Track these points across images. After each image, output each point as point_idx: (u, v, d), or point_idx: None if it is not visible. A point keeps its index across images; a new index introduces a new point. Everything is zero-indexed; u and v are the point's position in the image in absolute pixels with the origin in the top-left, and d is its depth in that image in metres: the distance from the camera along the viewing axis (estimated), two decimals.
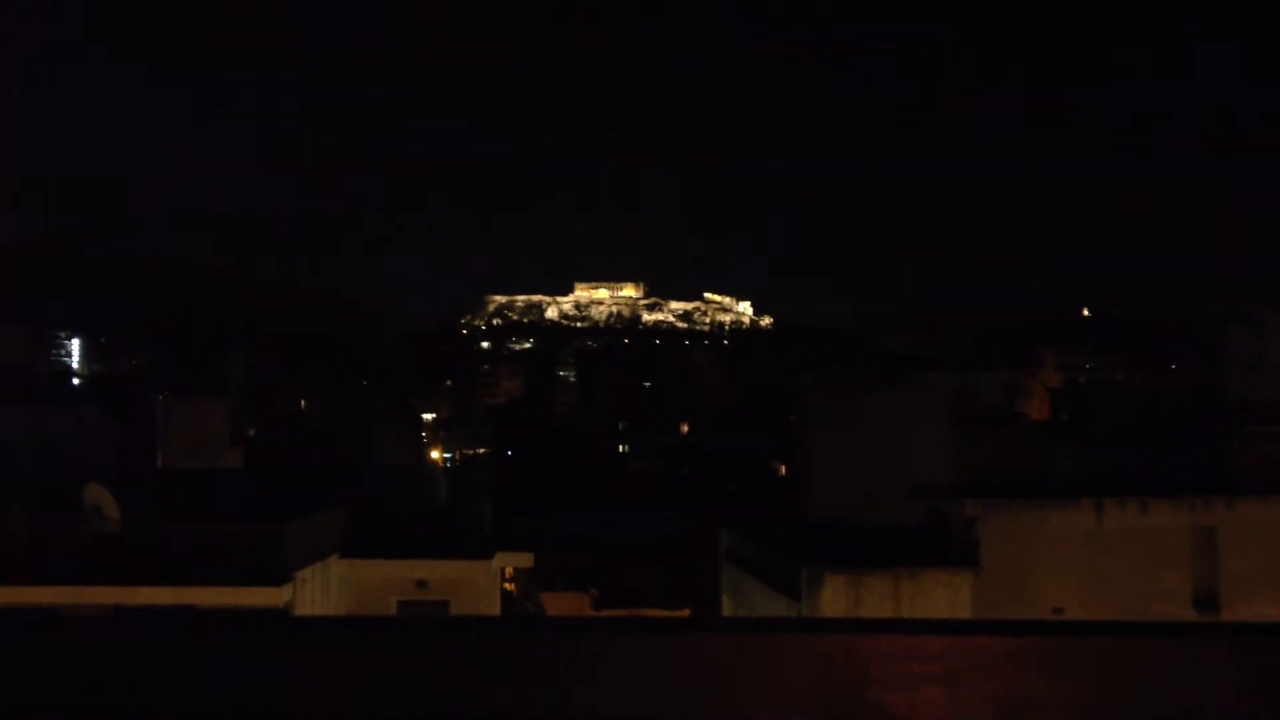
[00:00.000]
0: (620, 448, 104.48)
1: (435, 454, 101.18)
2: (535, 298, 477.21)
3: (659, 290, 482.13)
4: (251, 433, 60.07)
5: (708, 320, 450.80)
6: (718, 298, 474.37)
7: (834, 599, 24.57)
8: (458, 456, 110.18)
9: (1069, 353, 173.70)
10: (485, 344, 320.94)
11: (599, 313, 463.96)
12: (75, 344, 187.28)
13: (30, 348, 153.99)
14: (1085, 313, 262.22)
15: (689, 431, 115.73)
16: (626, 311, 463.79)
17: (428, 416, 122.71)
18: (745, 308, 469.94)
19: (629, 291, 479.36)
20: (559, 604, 43.81)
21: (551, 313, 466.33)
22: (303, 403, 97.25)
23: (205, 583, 25.82)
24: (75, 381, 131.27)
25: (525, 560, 33.71)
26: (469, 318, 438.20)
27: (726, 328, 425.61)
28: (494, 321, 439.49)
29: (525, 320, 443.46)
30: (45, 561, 27.06)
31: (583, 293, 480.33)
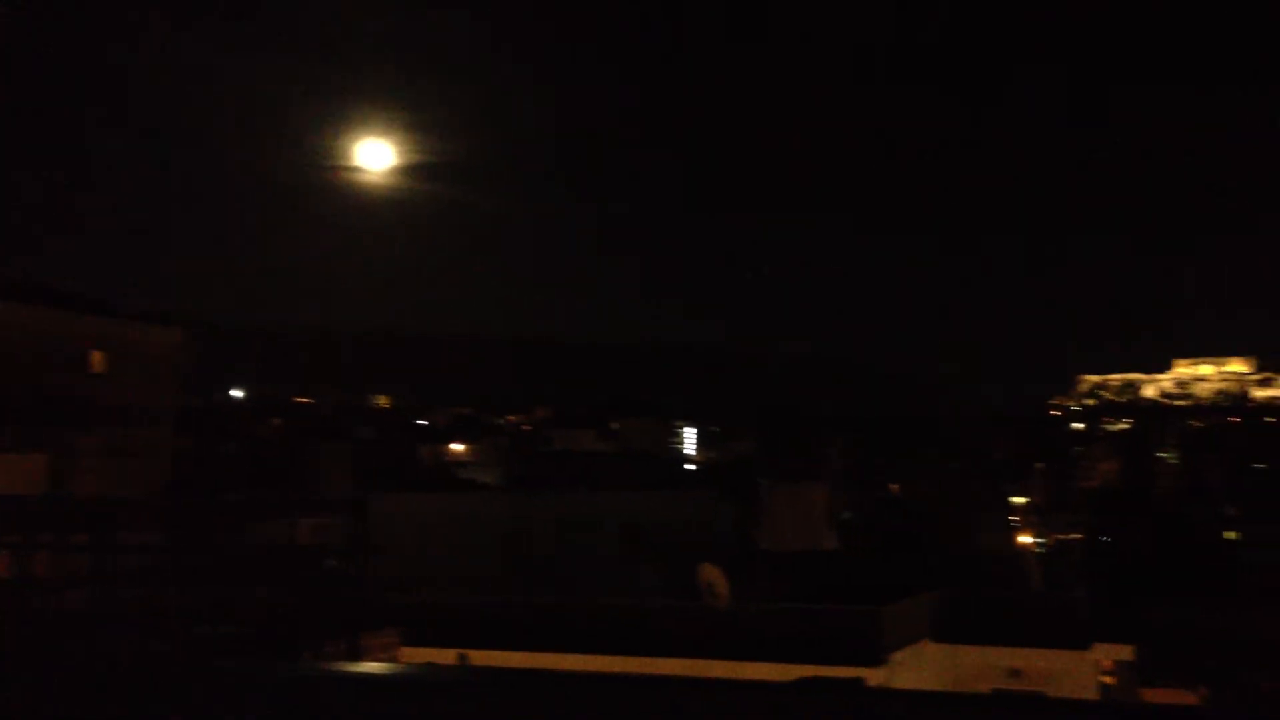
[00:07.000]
0: (1229, 534, 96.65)
1: (1027, 539, 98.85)
2: (1131, 376, 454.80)
3: (1274, 364, 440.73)
4: (848, 516, 62.30)
5: None
6: None
7: None
8: (1051, 542, 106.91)
9: None
10: (1079, 425, 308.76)
11: (1203, 390, 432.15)
12: (691, 432, 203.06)
13: (658, 437, 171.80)
14: None
15: None
16: (1234, 388, 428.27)
17: (1019, 500, 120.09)
18: None
19: (1236, 366, 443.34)
20: (1162, 701, 41.41)
21: (1149, 391, 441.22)
22: (896, 487, 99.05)
23: (806, 660, 27.51)
24: (690, 467, 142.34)
25: (1126, 652, 32.59)
26: (1060, 398, 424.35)
27: None
28: (1087, 402, 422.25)
29: (1121, 400, 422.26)
30: (666, 635, 30.08)
31: (1183, 369, 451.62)
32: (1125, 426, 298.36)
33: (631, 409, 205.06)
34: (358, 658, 28.76)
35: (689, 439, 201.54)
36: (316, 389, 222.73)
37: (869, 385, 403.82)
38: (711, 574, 35.35)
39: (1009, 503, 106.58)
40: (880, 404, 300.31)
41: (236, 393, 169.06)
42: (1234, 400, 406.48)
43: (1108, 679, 36.43)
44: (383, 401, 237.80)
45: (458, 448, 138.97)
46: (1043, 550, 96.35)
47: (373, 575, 35.01)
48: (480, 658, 28.22)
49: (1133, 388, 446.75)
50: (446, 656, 28.17)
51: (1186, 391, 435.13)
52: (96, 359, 46.35)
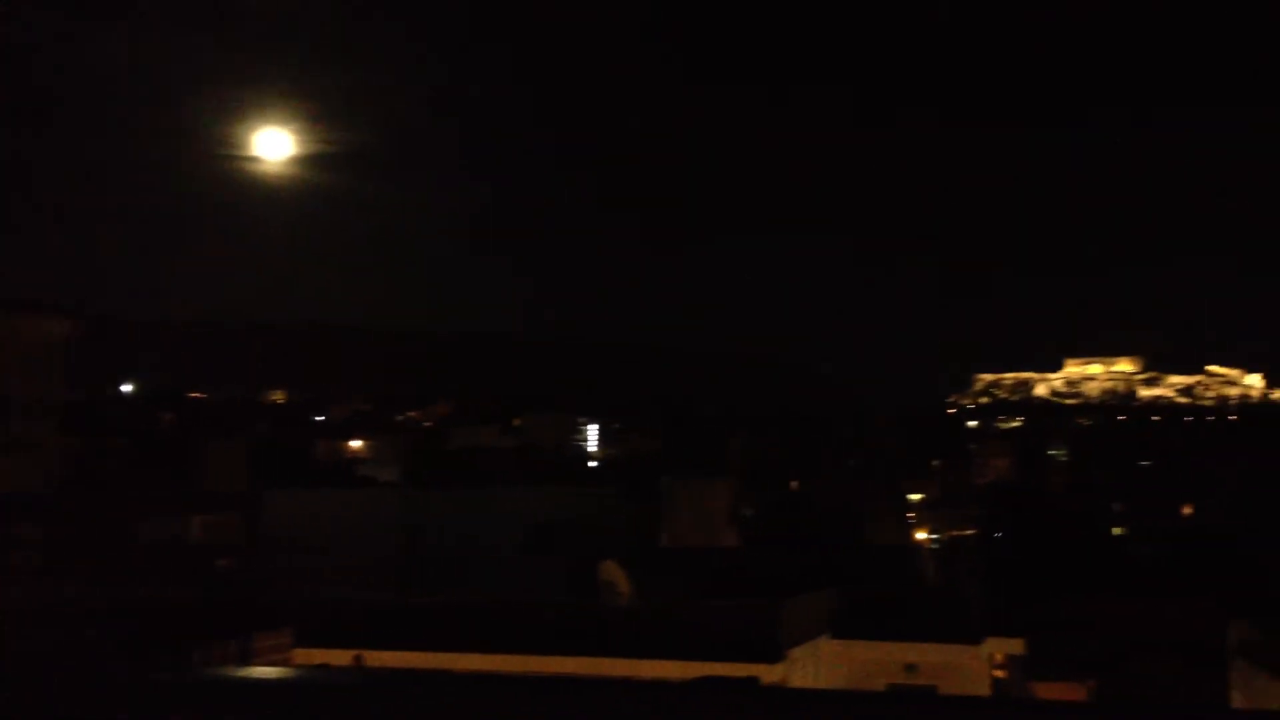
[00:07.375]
0: (1117, 530, 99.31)
1: (922, 535, 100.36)
2: (1024, 375, 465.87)
3: (1158, 364, 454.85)
4: (748, 513, 62.62)
5: (1212, 395, 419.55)
6: (1223, 370, 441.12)
7: None
8: (945, 538, 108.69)
9: None
10: (973, 423, 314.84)
11: (1092, 389, 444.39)
12: (593, 429, 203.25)
13: (560, 433, 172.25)
14: None
15: (1193, 514, 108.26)
16: (1121, 387, 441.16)
17: (915, 497, 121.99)
18: (1255, 380, 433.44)
19: (1124, 366, 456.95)
20: (1052, 695, 42.31)
21: (1041, 390, 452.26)
22: (795, 484, 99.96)
23: (706, 657, 27.55)
24: (593, 464, 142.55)
25: (1016, 646, 33.21)
26: (956, 396, 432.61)
27: (1232, 402, 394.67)
28: (981, 400, 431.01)
29: (1014, 398, 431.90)
30: (566, 633, 29.90)
31: (1074, 368, 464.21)
32: (1017, 424, 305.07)
33: (534, 405, 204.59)
34: (249, 659, 28.18)
35: (591, 435, 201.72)
36: (210, 383, 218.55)
37: (771, 382, 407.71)
38: (612, 571, 35.33)
39: (905, 499, 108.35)
40: (782, 401, 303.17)
41: (127, 386, 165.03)
42: (1121, 399, 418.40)
43: (999, 673, 37.13)
44: (278, 396, 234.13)
45: (356, 444, 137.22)
46: (937, 546, 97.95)
47: (266, 573, 34.33)
48: (377, 658, 27.81)
49: (1025, 386, 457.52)
50: (342, 658, 27.70)
51: (1076, 390, 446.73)
52: None
